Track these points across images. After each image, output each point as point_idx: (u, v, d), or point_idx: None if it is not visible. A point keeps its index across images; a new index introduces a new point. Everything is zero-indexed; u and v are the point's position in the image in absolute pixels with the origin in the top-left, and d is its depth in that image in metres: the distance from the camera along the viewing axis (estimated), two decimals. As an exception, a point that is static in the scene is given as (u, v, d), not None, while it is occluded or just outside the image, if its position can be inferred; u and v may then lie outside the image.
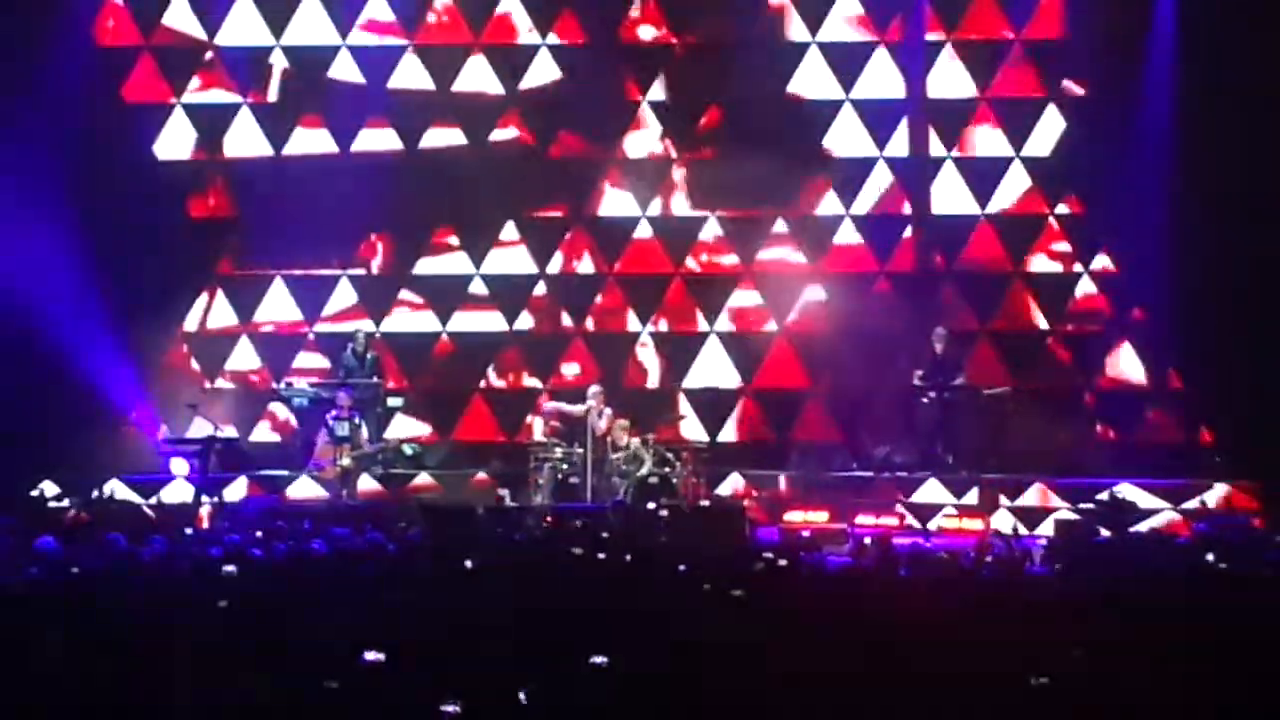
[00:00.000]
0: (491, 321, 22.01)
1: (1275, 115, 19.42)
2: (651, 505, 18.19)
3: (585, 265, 22.14)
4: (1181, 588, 11.16)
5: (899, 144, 21.61)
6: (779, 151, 20.87)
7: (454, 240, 22.03)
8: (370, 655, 8.20)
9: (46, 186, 20.28)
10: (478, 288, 21.95)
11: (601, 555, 13.45)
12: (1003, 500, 18.90)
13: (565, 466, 19.49)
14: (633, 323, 22.00)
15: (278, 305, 22.01)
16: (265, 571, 12.11)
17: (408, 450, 20.66)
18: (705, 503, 19.23)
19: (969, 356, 20.56)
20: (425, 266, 22.04)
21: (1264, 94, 19.40)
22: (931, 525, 18.29)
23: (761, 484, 20.11)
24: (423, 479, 20.14)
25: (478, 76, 21.99)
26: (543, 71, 21.87)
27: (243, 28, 22.01)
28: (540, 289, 21.99)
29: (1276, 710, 7.42)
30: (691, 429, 21.22)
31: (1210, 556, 13.18)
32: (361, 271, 22.02)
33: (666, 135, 21.86)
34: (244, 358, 21.96)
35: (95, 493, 18.59)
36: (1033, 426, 20.58)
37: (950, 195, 21.62)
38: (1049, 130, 21.41)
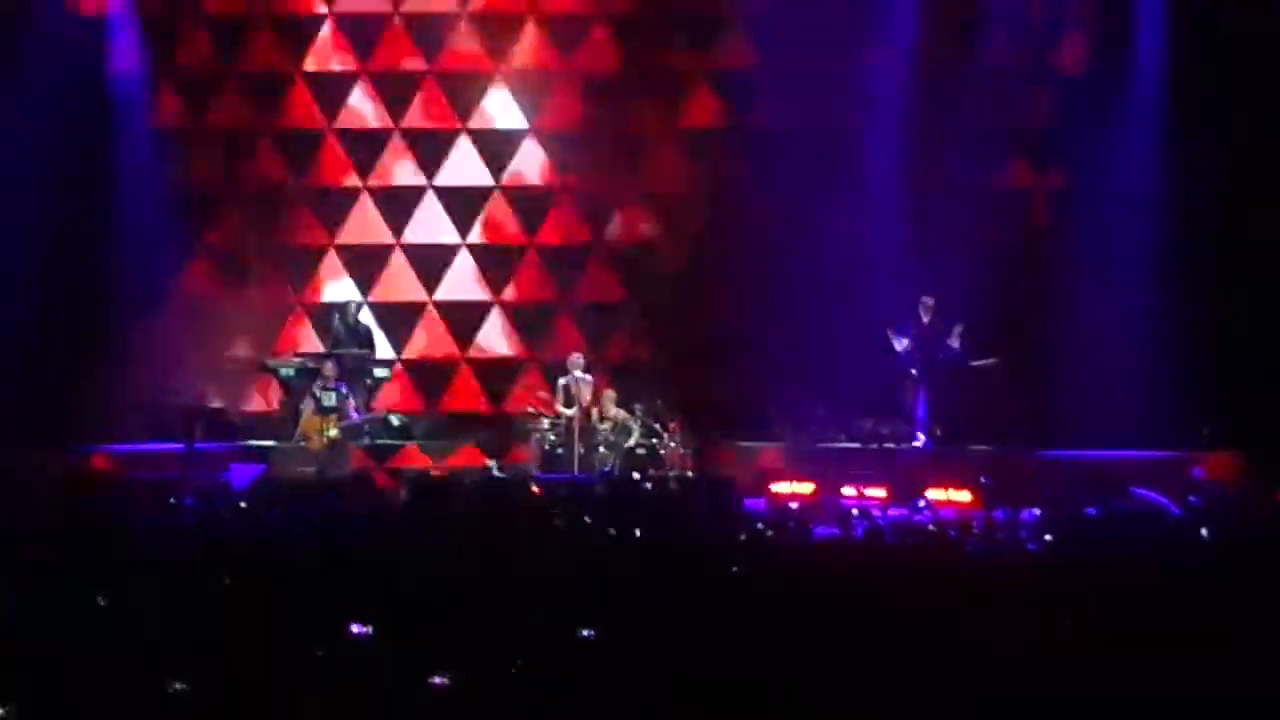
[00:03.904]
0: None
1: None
2: (637, 476, 18.21)
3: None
4: (1170, 560, 11.17)
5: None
6: None
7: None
8: (357, 628, 8.21)
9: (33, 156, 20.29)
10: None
11: (587, 520, 13.48)
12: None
13: (552, 437, 19.50)
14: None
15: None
16: (252, 543, 12.08)
17: (394, 421, 20.64)
18: (691, 474, 19.20)
19: (955, 324, 20.32)
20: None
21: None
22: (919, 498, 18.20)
23: (747, 453, 20.16)
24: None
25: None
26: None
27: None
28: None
29: (1265, 681, 7.41)
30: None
31: (1199, 529, 13.19)
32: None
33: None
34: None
35: None
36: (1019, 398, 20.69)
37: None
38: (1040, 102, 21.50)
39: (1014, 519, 14.23)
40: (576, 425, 19.37)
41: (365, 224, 22.03)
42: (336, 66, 22.03)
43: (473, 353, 21.94)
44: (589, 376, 19.89)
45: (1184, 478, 17.19)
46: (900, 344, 19.92)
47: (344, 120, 22.01)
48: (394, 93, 21.98)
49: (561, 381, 19.73)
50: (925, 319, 20.00)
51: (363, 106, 22.03)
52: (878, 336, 20.00)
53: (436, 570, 10.29)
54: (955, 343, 19.87)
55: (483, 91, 21.94)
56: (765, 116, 21.68)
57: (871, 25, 21.23)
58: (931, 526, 13.62)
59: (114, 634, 8.25)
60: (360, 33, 22.00)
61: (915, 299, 20.14)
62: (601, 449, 19.39)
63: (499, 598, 9.04)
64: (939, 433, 19.85)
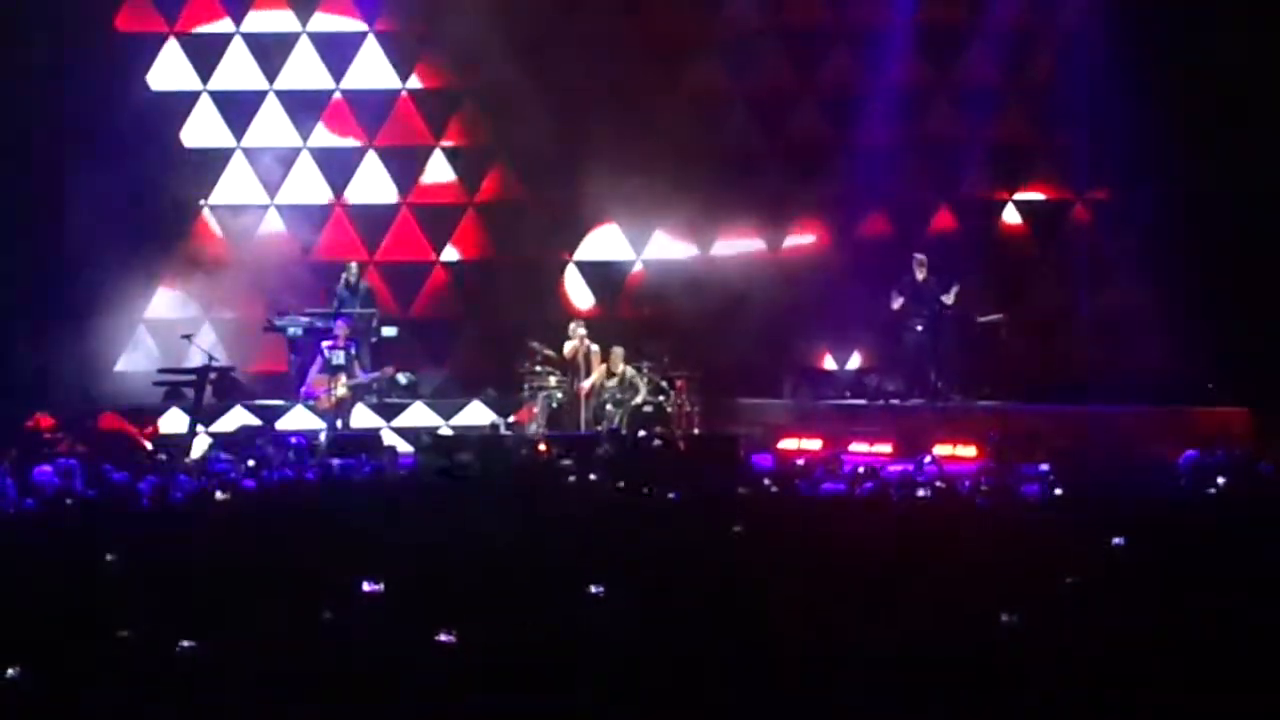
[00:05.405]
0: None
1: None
2: (644, 433, 18.21)
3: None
4: (1175, 513, 11.21)
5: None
6: None
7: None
8: (368, 585, 8.25)
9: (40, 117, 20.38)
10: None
11: (593, 477, 13.54)
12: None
13: (559, 395, 19.49)
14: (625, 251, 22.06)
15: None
16: (260, 501, 12.15)
17: (402, 379, 20.67)
18: (698, 431, 19.20)
19: (953, 281, 20.16)
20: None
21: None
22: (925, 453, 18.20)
23: (756, 411, 20.16)
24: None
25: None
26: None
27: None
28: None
29: (1267, 633, 7.44)
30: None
31: (1203, 483, 13.24)
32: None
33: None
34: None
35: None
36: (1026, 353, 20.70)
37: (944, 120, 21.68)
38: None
39: (1021, 474, 14.26)
40: (583, 385, 19.36)
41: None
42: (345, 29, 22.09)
43: (479, 311, 21.98)
44: (590, 343, 19.74)
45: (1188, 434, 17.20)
46: (896, 302, 19.83)
47: (351, 81, 22.02)
48: (401, 56, 21.99)
49: (567, 347, 19.60)
50: (920, 276, 19.88)
51: (367, 70, 22.02)
52: (884, 293, 20.00)
53: (447, 527, 10.35)
54: (951, 299, 19.74)
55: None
56: (767, 78, 21.79)
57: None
58: (939, 483, 13.65)
59: (121, 593, 8.30)
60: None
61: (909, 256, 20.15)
62: (608, 407, 19.38)
63: (507, 554, 9.09)
64: (943, 387, 19.79)
